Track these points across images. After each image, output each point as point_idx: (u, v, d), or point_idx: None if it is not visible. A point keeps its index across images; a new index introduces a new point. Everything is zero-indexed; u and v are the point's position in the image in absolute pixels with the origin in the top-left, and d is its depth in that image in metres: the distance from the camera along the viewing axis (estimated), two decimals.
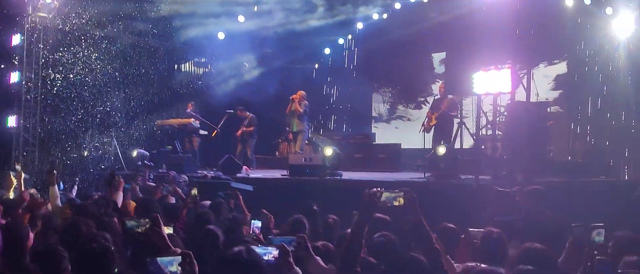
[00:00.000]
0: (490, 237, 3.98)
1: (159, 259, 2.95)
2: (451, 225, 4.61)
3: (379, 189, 3.54)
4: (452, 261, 3.78)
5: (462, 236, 4.19)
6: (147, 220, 3.47)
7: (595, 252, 3.59)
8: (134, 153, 12.46)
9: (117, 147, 12.49)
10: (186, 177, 9.67)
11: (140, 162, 12.05)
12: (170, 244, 3.40)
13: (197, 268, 2.86)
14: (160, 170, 11.48)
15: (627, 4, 10.86)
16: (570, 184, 8.51)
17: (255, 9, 14.28)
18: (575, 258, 3.84)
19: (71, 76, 12.33)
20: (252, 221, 4.89)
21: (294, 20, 14.13)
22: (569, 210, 5.99)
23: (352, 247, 3.43)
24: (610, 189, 8.48)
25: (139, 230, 3.51)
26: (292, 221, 5.04)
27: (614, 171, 10.33)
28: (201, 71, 15.88)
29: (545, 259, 3.55)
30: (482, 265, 3.40)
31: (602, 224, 4.09)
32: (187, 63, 15.56)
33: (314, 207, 6.03)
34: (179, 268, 2.88)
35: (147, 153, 12.52)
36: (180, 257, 2.90)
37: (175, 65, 14.99)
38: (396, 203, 3.52)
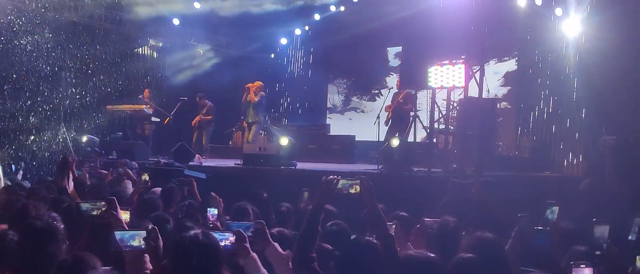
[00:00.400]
0: (447, 226, 4.08)
1: (118, 233, 2.93)
2: (404, 213, 4.72)
3: (335, 176, 3.61)
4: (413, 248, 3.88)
5: (418, 225, 4.27)
6: (102, 203, 3.42)
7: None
8: (84, 139, 12.17)
9: (66, 133, 12.15)
10: (136, 165, 9.51)
11: (89, 149, 11.80)
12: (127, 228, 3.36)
13: (161, 243, 2.86)
14: (110, 157, 11.27)
15: (575, 6, 11.24)
16: (517, 178, 8.80)
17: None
18: (519, 246, 4.02)
19: (17, 59, 11.95)
20: (208, 209, 4.86)
21: (249, 3, 13.89)
22: (515, 203, 6.19)
23: (308, 232, 3.47)
24: (554, 183, 8.80)
25: (95, 213, 3.46)
26: (236, 208, 5.01)
27: (558, 166, 10.75)
28: (155, 55, 15.56)
29: (495, 247, 3.67)
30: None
31: (555, 202, 4.26)
32: (141, 48, 15.21)
33: (264, 195, 6.03)
34: (143, 242, 2.86)
35: (97, 139, 12.25)
36: (144, 231, 2.90)
37: (128, 50, 14.63)
38: (352, 191, 3.58)
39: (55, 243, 3.20)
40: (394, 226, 3.97)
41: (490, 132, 9.63)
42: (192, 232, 2.86)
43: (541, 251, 3.89)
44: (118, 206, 3.33)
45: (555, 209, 4.23)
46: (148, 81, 14.23)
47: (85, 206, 3.52)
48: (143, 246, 2.90)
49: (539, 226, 4.07)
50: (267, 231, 3.54)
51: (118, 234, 2.94)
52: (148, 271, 2.89)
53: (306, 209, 4.92)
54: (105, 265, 2.98)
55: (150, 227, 3.00)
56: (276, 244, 3.52)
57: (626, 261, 3.53)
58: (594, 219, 4.04)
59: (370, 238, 3.46)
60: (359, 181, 3.59)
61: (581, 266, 3.09)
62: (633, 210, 5.16)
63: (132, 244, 2.90)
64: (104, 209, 3.43)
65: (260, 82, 12.87)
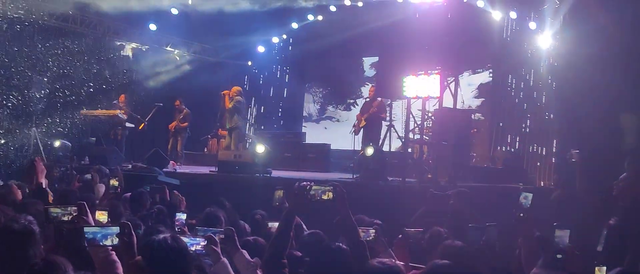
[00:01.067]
0: (439, 236, 4.11)
1: (88, 230, 2.89)
2: (378, 221, 4.75)
3: (308, 182, 3.64)
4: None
5: (400, 235, 4.28)
6: (73, 208, 3.36)
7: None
8: (57, 144, 11.97)
9: (37, 136, 11.93)
10: (107, 170, 9.39)
11: (61, 153, 11.61)
12: None
13: (135, 239, 2.83)
14: (82, 162, 11.11)
15: (549, 20, 11.47)
16: (490, 189, 8.89)
17: (190, 1, 14.00)
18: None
19: None
20: (176, 214, 4.82)
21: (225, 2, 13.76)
22: (487, 212, 6.26)
23: (280, 238, 3.47)
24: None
25: (65, 218, 3.39)
26: (206, 214, 4.97)
27: (530, 177, 10.91)
28: (131, 59, 15.40)
29: (465, 255, 3.71)
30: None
31: (531, 187, 4.36)
32: (117, 52, 15.05)
33: (225, 203, 6.01)
34: (116, 239, 2.83)
35: (69, 144, 12.06)
36: (117, 228, 2.87)
37: (104, 54, 14.46)
38: (325, 197, 3.60)
39: (34, 246, 3.14)
40: (373, 232, 3.98)
41: (464, 142, 9.73)
42: (161, 236, 2.85)
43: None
44: (88, 210, 3.27)
45: (529, 195, 4.33)
46: (124, 85, 14.05)
47: (55, 211, 3.44)
48: (116, 243, 2.86)
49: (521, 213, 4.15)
50: (236, 237, 3.53)
51: (89, 233, 2.88)
52: (119, 272, 2.86)
53: (282, 208, 4.93)
54: (76, 269, 2.94)
55: (122, 222, 2.96)
56: (244, 252, 3.50)
57: (589, 267, 3.59)
58: (555, 224, 4.14)
59: (341, 245, 3.47)
60: (331, 187, 3.60)
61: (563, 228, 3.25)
62: (602, 219, 5.27)
63: (104, 242, 2.86)
64: (74, 214, 3.36)
65: (238, 87, 12.68)
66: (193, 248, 3.04)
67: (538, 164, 11.75)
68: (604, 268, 3.66)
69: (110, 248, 2.89)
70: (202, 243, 3.19)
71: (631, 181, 5.55)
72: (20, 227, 3.15)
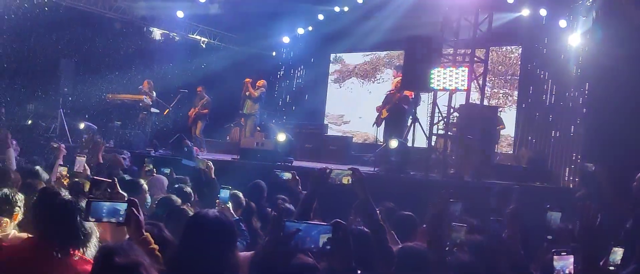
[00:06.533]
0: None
1: (95, 203, 2.77)
2: (390, 204, 4.77)
3: (328, 168, 3.71)
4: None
5: (424, 226, 4.23)
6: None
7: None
8: (82, 126, 12.10)
9: (64, 117, 12.09)
10: (129, 153, 9.47)
11: (86, 135, 11.73)
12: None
13: (142, 216, 2.79)
14: (107, 145, 11.21)
15: (579, 19, 11.25)
16: (513, 188, 8.73)
17: None
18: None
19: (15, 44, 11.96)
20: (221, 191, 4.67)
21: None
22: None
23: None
24: (551, 193, 8.78)
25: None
26: (251, 186, 5.14)
27: (555, 177, 10.74)
28: (158, 45, 15.53)
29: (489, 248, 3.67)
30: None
31: (555, 207, 4.30)
32: (144, 38, 15.19)
33: (262, 184, 6.04)
34: (122, 215, 2.75)
35: (95, 126, 12.19)
36: (125, 204, 2.78)
37: (131, 40, 14.59)
38: (345, 181, 3.66)
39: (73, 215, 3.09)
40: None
41: (489, 139, 9.60)
42: (210, 211, 2.89)
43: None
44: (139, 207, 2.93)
45: (557, 215, 4.24)
46: (149, 71, 14.17)
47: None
48: (121, 220, 2.76)
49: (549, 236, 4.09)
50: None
51: (95, 206, 2.76)
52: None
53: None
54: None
55: (130, 199, 2.87)
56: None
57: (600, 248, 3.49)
58: (548, 205, 4.10)
59: (363, 228, 3.44)
60: (351, 172, 3.64)
61: (562, 253, 3.11)
62: (626, 218, 5.19)
63: (110, 219, 2.77)
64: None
65: (263, 81, 12.98)
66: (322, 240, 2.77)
67: (565, 164, 11.55)
68: (621, 249, 3.59)
69: (116, 224, 2.79)
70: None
71: None
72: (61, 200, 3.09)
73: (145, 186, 5.36)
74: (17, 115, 12.21)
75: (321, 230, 2.68)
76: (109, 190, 3.32)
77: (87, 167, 5.73)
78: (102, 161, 6.70)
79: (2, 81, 12.05)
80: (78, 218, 2.91)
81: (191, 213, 3.73)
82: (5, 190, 3.46)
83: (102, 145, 6.92)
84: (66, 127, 11.93)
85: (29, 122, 12.32)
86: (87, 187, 3.90)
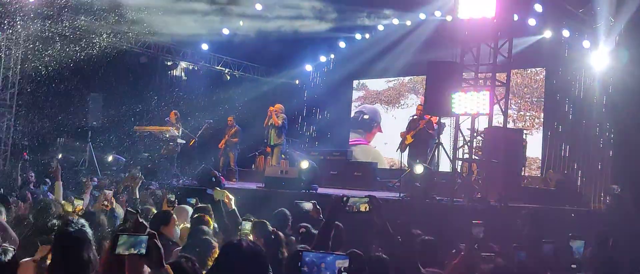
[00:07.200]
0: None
1: (124, 235, 2.77)
2: (429, 237, 4.72)
3: (345, 195, 3.77)
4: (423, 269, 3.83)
5: (462, 252, 4.18)
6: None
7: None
8: (110, 158, 12.33)
9: (92, 151, 12.33)
10: (157, 184, 9.61)
11: (115, 168, 11.94)
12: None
13: (162, 250, 2.79)
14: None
15: (603, 39, 11.14)
16: (542, 211, 8.60)
17: (241, 23, 14.26)
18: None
19: (44, 78, 12.29)
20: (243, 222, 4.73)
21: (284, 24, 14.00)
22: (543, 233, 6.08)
23: (319, 247, 3.46)
24: (581, 216, 8.62)
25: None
26: (275, 215, 5.25)
27: (585, 201, 10.53)
28: (184, 77, 15.84)
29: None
30: None
31: (578, 235, 4.25)
32: (170, 71, 15.51)
33: (287, 212, 6.05)
34: (144, 248, 2.73)
35: (123, 159, 12.40)
36: (146, 236, 2.76)
37: (157, 73, 14.91)
38: (362, 208, 3.70)
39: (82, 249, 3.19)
40: None
41: (515, 162, 9.49)
42: (242, 240, 2.92)
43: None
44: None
45: (580, 243, 4.18)
46: (175, 103, 14.42)
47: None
48: (143, 252, 2.74)
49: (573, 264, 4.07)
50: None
51: (122, 239, 2.75)
52: None
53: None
54: None
55: (149, 231, 2.87)
56: None
57: None
58: (570, 234, 4.05)
59: (381, 255, 3.44)
60: (368, 199, 3.69)
61: None
62: None
63: (131, 251, 2.74)
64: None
65: (280, 105, 12.95)
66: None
67: (594, 187, 11.33)
68: None
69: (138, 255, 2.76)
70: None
71: None
72: (74, 231, 3.20)
73: (175, 217, 5.44)
74: (47, 148, 12.49)
75: (338, 258, 2.71)
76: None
77: (114, 201, 5.86)
78: (138, 197, 6.75)
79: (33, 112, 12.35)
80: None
81: (214, 243, 3.77)
82: None
83: (140, 181, 6.96)
84: (95, 160, 12.17)
85: (60, 156, 12.59)
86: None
